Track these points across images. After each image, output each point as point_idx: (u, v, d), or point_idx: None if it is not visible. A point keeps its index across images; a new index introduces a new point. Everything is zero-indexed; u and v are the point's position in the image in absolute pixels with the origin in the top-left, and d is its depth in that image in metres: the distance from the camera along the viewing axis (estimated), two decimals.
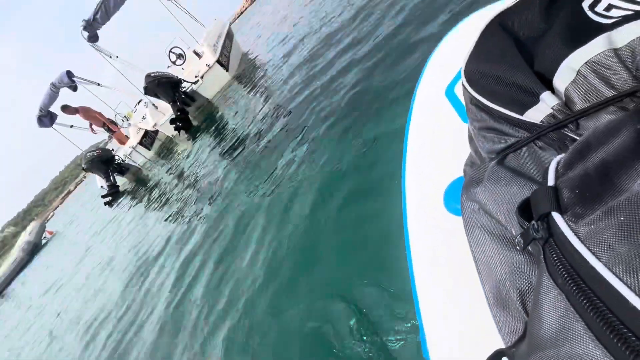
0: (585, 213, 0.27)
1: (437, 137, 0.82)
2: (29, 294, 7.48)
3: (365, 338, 1.08)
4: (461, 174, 0.62)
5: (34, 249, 13.29)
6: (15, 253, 13.01)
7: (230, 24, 8.00)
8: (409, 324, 0.97)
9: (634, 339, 0.20)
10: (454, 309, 0.57)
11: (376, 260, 1.24)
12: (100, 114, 8.20)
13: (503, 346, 0.37)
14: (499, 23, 0.49)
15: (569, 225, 0.27)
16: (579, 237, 0.26)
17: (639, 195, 0.24)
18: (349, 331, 1.14)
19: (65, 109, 7.61)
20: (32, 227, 13.93)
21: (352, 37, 3.38)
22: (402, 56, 2.29)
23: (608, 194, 0.27)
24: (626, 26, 0.37)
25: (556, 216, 0.28)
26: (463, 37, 0.95)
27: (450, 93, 0.86)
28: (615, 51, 0.37)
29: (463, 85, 0.51)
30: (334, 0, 5.17)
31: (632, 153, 0.28)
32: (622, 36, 0.37)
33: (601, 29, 0.39)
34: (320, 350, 1.16)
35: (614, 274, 0.22)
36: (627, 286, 0.21)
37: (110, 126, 8.34)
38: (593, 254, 0.24)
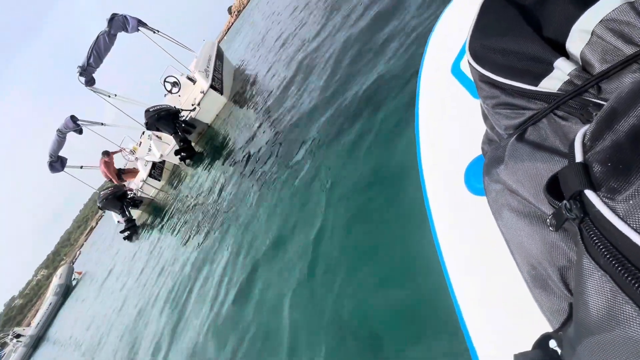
0: (621, 187, 0.25)
1: (449, 117, 0.79)
2: (68, 334, 7.77)
3: (403, 333, 1.08)
4: (479, 152, 0.59)
5: (66, 291, 13.87)
6: (50, 297, 13.60)
7: (219, 41, 8.12)
8: (448, 314, 0.94)
9: None
10: (491, 293, 0.54)
11: (406, 252, 1.23)
12: (115, 170, 8.58)
13: (548, 327, 0.35)
14: None
15: (605, 203, 0.25)
16: (617, 214, 0.24)
17: None
18: (386, 324, 1.14)
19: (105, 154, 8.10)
20: (62, 271, 14.76)
21: (335, 27, 3.40)
22: (403, 44, 2.25)
23: None
24: None
25: (590, 194, 0.26)
26: (462, 11, 0.90)
27: (456, 70, 0.82)
28: (632, 4, 0.34)
29: (469, 63, 0.48)
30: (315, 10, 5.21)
31: None
32: None
33: None
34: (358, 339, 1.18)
35: None
36: None
37: (116, 180, 8.66)
38: (635, 230, 0.23)
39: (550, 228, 0.31)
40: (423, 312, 1.07)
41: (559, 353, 0.31)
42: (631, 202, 0.24)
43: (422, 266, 1.13)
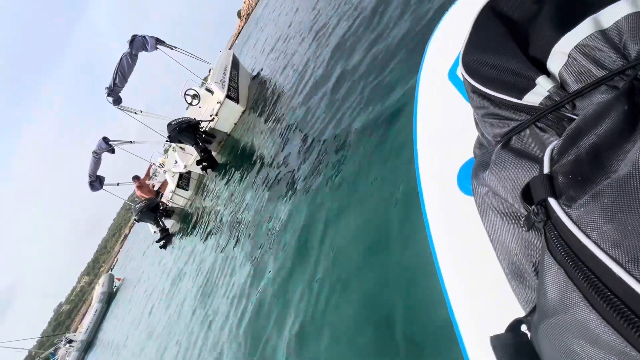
0: (577, 196, 0.30)
1: (445, 121, 0.83)
2: (115, 338, 8.37)
3: (395, 312, 1.22)
4: (472, 155, 0.64)
5: (109, 298, 14.89)
6: (95, 305, 14.63)
7: (231, 45, 8.31)
8: (436, 298, 1.05)
9: (618, 303, 0.23)
10: (476, 283, 0.60)
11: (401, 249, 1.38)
12: (149, 189, 9.12)
13: (522, 313, 0.40)
14: (492, 8, 0.52)
15: (563, 209, 0.30)
16: (571, 219, 0.29)
17: (619, 178, 0.27)
18: (381, 311, 1.28)
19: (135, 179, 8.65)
20: (104, 279, 15.78)
21: (350, 31, 3.45)
22: (414, 47, 2.31)
23: (599, 177, 0.30)
24: (611, 6, 0.39)
25: (552, 202, 0.31)
26: (460, 18, 0.94)
27: (453, 76, 0.86)
28: (603, 32, 0.39)
29: (462, 75, 0.53)
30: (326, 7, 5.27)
31: (619, 134, 0.30)
32: (608, 17, 0.39)
33: (588, 9, 0.40)
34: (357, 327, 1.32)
35: (602, 249, 0.25)
36: (613, 259, 0.24)
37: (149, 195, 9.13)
38: (584, 233, 0.27)
39: (523, 228, 0.35)
40: (414, 299, 1.21)
41: (529, 336, 0.36)
42: (582, 209, 0.28)
43: (418, 264, 1.26)
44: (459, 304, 0.62)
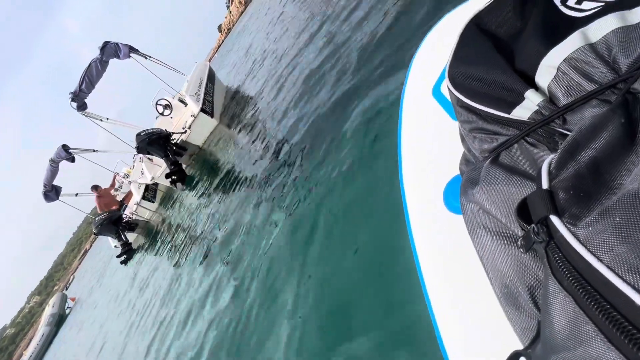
0: (582, 214, 0.27)
1: (430, 138, 0.82)
2: None
3: (383, 343, 1.13)
4: (457, 172, 0.62)
5: (59, 320, 13.55)
6: (42, 328, 13.21)
7: (210, 58, 8.28)
8: (424, 328, 0.98)
9: None
10: (466, 309, 0.57)
11: (384, 267, 1.32)
12: (112, 199, 8.57)
13: (519, 343, 0.37)
14: (476, 24, 0.51)
15: (568, 228, 0.27)
16: (578, 240, 0.26)
17: (631, 195, 0.25)
18: (365, 338, 1.19)
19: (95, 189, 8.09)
20: (54, 299, 14.35)
21: (325, 42, 3.54)
22: (390, 61, 2.37)
23: (602, 193, 0.28)
24: (598, 21, 0.38)
25: (554, 219, 0.28)
26: (444, 36, 0.94)
27: (437, 93, 0.86)
28: (592, 46, 0.37)
29: (449, 88, 0.51)
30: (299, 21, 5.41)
31: (619, 148, 0.29)
32: (596, 31, 0.38)
33: (574, 24, 0.39)
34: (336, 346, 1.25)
35: (617, 274, 0.22)
36: (631, 286, 0.21)
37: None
38: (594, 255, 0.24)
39: (521, 250, 0.32)
40: (400, 327, 1.14)
41: None
42: (590, 228, 0.26)
43: (402, 283, 1.20)
44: (448, 330, 0.58)
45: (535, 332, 0.35)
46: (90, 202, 9.12)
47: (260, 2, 18.16)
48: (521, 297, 0.36)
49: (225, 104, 7.27)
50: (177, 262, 4.12)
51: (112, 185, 9.24)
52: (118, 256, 7.75)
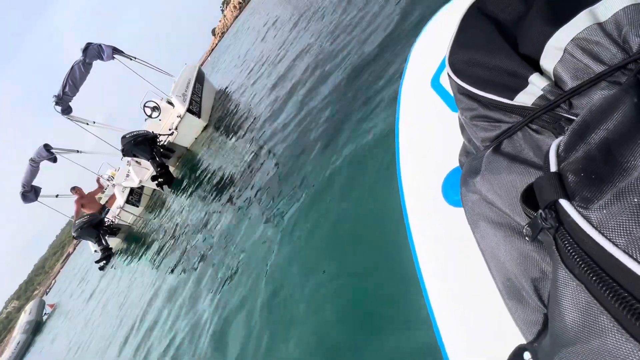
0: (594, 197, 0.26)
1: (428, 130, 0.80)
2: None
3: (380, 340, 1.09)
4: (457, 164, 0.60)
5: (36, 327, 12.85)
6: (17, 336, 12.47)
7: (203, 62, 8.20)
8: (423, 325, 0.94)
9: None
10: (466, 304, 0.54)
11: (382, 262, 1.27)
12: (94, 202, 8.23)
13: (522, 338, 0.35)
14: (478, 8, 0.49)
15: (579, 212, 0.26)
16: (591, 224, 0.25)
17: None
18: (361, 334, 1.15)
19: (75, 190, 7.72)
20: (31, 306, 13.59)
21: (325, 42, 3.52)
22: (383, 54, 2.34)
23: (616, 174, 0.26)
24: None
25: (564, 203, 0.27)
26: (443, 27, 0.91)
27: (436, 84, 0.83)
28: (600, 25, 0.36)
29: (449, 75, 0.49)
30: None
31: (633, 128, 0.27)
32: (605, 9, 0.36)
33: (582, 2, 0.38)
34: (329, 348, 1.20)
35: (634, 259, 0.21)
36: None
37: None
38: (609, 240, 0.23)
39: (526, 238, 0.31)
40: (397, 321, 1.10)
41: None
42: (604, 211, 0.24)
43: (399, 275, 1.16)
44: (448, 329, 0.55)
45: (541, 325, 0.33)
46: (73, 204, 8.80)
47: (255, 7, 18.31)
48: (524, 291, 0.35)
49: (215, 106, 7.16)
50: (159, 268, 3.97)
51: (100, 187, 8.87)
52: (97, 261, 7.49)
